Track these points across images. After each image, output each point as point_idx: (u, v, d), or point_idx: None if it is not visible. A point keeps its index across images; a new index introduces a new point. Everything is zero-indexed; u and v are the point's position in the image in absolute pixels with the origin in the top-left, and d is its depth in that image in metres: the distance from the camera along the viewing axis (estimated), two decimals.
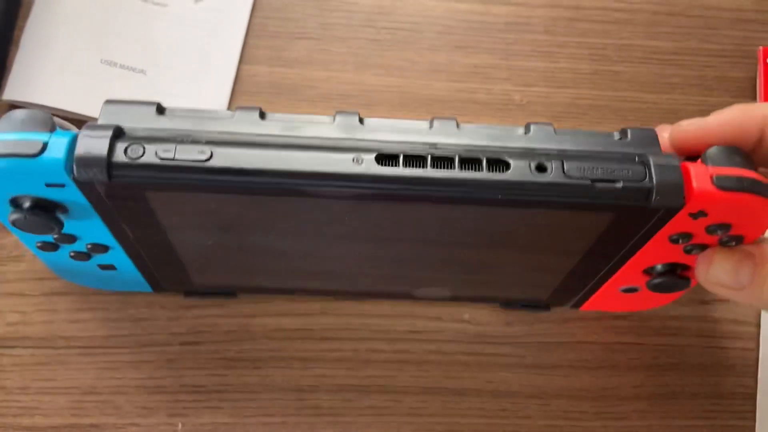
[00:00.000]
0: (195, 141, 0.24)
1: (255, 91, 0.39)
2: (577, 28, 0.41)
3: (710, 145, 0.25)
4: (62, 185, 0.24)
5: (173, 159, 0.23)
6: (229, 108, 0.38)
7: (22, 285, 0.35)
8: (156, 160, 0.23)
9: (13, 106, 0.37)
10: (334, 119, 0.25)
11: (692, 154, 0.25)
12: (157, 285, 0.33)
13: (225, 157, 0.23)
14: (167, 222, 0.27)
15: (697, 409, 0.35)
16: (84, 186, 0.24)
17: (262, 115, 0.25)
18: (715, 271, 0.26)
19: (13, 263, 0.35)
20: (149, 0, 0.38)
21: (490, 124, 0.26)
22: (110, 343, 0.34)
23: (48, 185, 0.24)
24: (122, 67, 0.37)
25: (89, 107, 0.36)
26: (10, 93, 0.36)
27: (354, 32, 0.40)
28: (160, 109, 0.25)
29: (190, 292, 0.35)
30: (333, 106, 0.39)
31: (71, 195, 0.24)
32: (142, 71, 0.37)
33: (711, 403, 0.35)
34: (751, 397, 0.35)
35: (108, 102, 0.25)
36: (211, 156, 0.23)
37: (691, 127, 0.26)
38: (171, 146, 0.23)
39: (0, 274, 0.35)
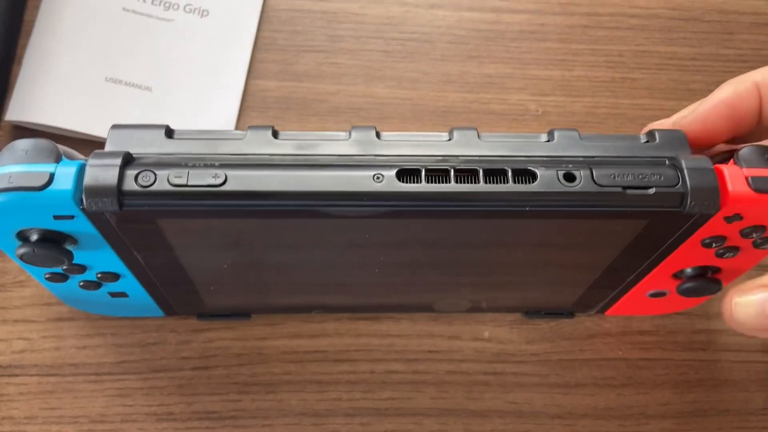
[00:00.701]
0: (208, 165, 0.23)
1: (264, 107, 0.38)
2: (592, 36, 0.40)
3: (711, 130, 0.24)
4: (71, 217, 0.23)
5: (186, 185, 0.22)
6: (237, 124, 0.37)
7: (28, 311, 0.34)
8: (168, 187, 0.22)
9: (17, 127, 0.36)
10: (350, 135, 0.25)
11: (697, 144, 0.25)
12: (169, 309, 0.32)
13: (240, 181, 0.22)
14: (180, 248, 0.26)
15: (726, 427, 0.34)
16: (94, 216, 0.23)
17: (275, 134, 0.24)
18: (740, 318, 0.24)
19: (18, 289, 0.34)
20: (154, 15, 0.37)
21: (512, 133, 0.25)
22: (119, 370, 0.33)
23: (56, 217, 0.23)
24: (128, 84, 0.36)
25: (95, 127, 0.35)
26: (13, 113, 0.35)
27: (363, 44, 0.39)
28: (169, 132, 0.24)
29: (202, 315, 0.34)
30: (344, 120, 0.38)
31: (81, 226, 0.23)
32: (148, 88, 0.36)
33: (741, 419, 0.34)
34: None
35: (115, 127, 0.24)
36: (225, 180, 0.22)
37: (686, 120, 0.25)
38: (183, 171, 0.22)
39: (5, 300, 0.34)
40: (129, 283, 0.29)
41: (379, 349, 0.34)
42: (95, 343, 0.33)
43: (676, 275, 0.28)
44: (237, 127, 0.37)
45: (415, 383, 0.34)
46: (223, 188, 0.22)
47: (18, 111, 0.35)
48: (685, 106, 0.39)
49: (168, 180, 0.22)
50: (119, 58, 0.36)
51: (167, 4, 0.37)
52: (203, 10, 0.38)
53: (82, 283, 0.29)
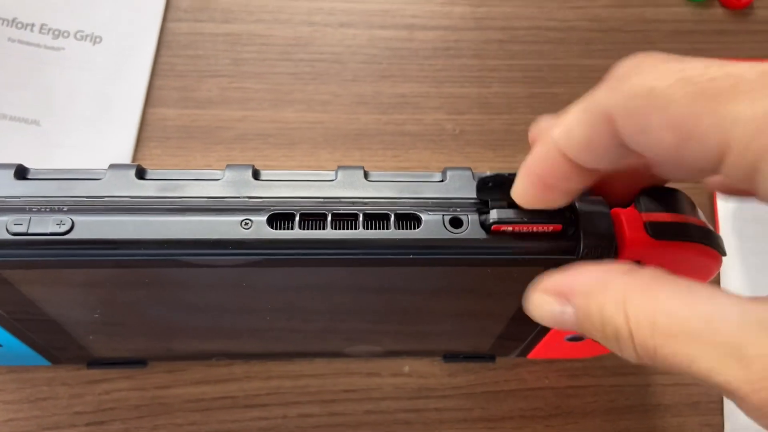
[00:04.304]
0: (54, 210, 0.20)
1: (164, 136, 0.35)
2: (509, 51, 0.39)
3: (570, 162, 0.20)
4: None
5: (26, 233, 0.20)
6: (135, 156, 0.34)
7: None
8: (6, 236, 0.20)
9: None
10: (223, 174, 0.22)
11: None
12: (53, 358, 0.30)
13: (88, 228, 0.20)
14: (40, 299, 0.23)
15: None
16: None
17: (141, 174, 0.22)
18: (534, 312, 0.20)
19: None
20: (43, 44, 0.35)
21: (403, 172, 0.23)
22: (8, 428, 0.30)
23: None
24: (12, 119, 0.33)
25: None
26: None
27: (270, 67, 0.37)
28: (21, 172, 0.22)
29: (93, 363, 0.31)
30: (251, 148, 0.36)
31: None
32: (35, 122, 0.34)
33: None
34: None
35: None
36: (72, 227, 0.20)
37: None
38: (25, 218, 0.20)
39: None
40: None
41: (292, 392, 0.32)
42: None
43: None
44: (135, 161, 0.34)
45: (332, 426, 0.32)
46: (68, 236, 0.20)
47: None
48: None
49: (6, 228, 0.20)
50: (4, 90, 0.34)
51: (56, 33, 0.35)
52: (96, 37, 0.36)
53: None
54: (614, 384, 0.33)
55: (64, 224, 0.20)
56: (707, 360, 0.14)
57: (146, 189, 0.22)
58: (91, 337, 0.28)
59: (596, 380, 0.33)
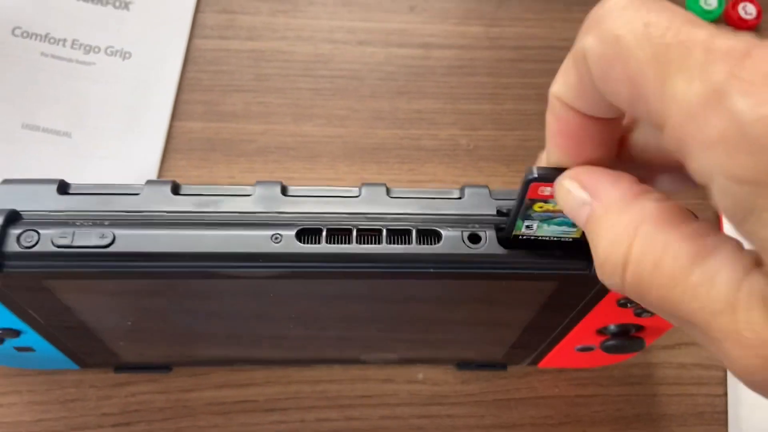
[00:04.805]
0: (96, 224, 0.22)
1: (189, 149, 0.37)
2: (522, 69, 0.40)
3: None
4: None
5: (71, 246, 0.21)
6: (162, 167, 0.36)
7: None
8: (52, 248, 0.21)
9: None
10: (254, 190, 0.24)
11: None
12: (82, 362, 0.31)
13: (128, 241, 0.21)
14: (77, 307, 0.25)
15: None
16: None
17: (176, 189, 0.24)
18: (559, 194, 0.19)
19: None
20: (74, 59, 0.36)
21: (423, 189, 0.24)
22: (37, 428, 0.32)
23: None
24: (45, 130, 0.35)
25: (11, 175, 0.34)
26: None
27: (292, 82, 0.39)
28: (63, 188, 0.23)
29: (120, 367, 0.32)
30: (272, 160, 0.37)
31: None
32: (67, 134, 0.35)
33: None
34: None
35: (6, 182, 0.23)
36: (113, 240, 0.21)
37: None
38: (69, 231, 0.21)
39: None
40: (32, 338, 0.27)
41: (310, 396, 0.33)
42: (10, 401, 0.32)
43: (600, 331, 0.28)
44: (161, 172, 0.36)
45: (349, 430, 0.33)
46: (110, 249, 0.21)
47: None
48: None
49: (52, 241, 0.21)
50: (37, 103, 0.35)
51: (87, 48, 0.37)
52: (125, 53, 0.37)
53: None
54: (621, 393, 0.34)
55: (105, 237, 0.21)
56: (697, 308, 0.14)
57: (181, 204, 0.23)
58: (120, 343, 0.29)
59: (604, 389, 0.34)
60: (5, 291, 0.23)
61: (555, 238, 0.21)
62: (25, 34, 0.36)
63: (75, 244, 0.21)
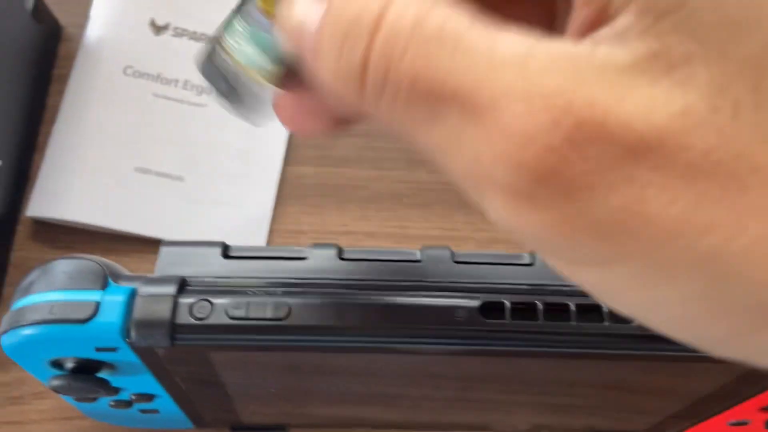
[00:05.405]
0: (269, 292, 0.20)
1: (301, 194, 0.35)
2: None
3: None
4: (114, 349, 0.20)
5: (246, 317, 0.20)
6: (274, 212, 0.34)
7: (47, 426, 0.31)
8: (227, 320, 0.20)
9: (39, 222, 0.33)
10: (420, 254, 0.22)
11: None
12: (200, 422, 0.30)
13: (305, 313, 0.20)
14: (228, 374, 0.23)
15: None
16: (141, 349, 0.20)
17: (341, 253, 0.22)
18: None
19: (37, 401, 0.31)
20: (186, 101, 0.35)
21: None
22: None
23: (98, 349, 0.21)
24: (158, 174, 0.34)
25: (124, 221, 0.33)
26: (36, 208, 0.33)
27: None
28: (225, 250, 0.22)
29: (236, 428, 0.31)
30: (386, 208, 0.36)
31: (123, 356, 0.21)
32: (179, 178, 0.34)
33: None
34: None
35: (166, 244, 0.22)
36: (289, 312, 0.20)
37: None
38: (243, 301, 0.20)
39: (21, 414, 0.31)
40: (163, 401, 0.26)
41: None
42: None
43: (766, 408, 0.26)
44: (274, 218, 0.35)
45: None
46: (287, 322, 0.20)
47: (40, 206, 0.33)
48: None
49: (226, 312, 0.20)
50: (149, 146, 0.34)
51: (199, 89, 0.36)
52: None
53: (112, 403, 0.26)
54: None
55: (281, 309, 0.20)
56: (474, 70, 0.10)
57: (350, 270, 0.22)
58: (250, 405, 0.27)
59: None
60: (162, 362, 0.21)
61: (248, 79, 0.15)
62: (137, 74, 0.35)
63: (250, 315, 0.20)
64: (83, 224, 0.32)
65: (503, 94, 0.10)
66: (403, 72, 0.11)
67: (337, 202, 0.36)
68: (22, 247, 0.34)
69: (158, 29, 0.36)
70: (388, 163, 0.37)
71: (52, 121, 0.35)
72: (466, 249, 0.37)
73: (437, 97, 0.11)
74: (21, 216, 0.34)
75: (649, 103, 0.10)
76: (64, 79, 0.36)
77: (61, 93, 0.35)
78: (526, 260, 0.22)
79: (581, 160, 0.10)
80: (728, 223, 0.10)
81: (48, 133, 0.35)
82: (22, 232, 0.34)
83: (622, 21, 0.10)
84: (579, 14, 0.11)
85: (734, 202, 0.10)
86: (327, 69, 0.12)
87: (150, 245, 0.33)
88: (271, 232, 0.34)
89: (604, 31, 0.11)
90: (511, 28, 0.11)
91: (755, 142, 0.10)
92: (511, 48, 0.11)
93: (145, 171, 0.34)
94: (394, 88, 0.11)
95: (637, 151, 0.10)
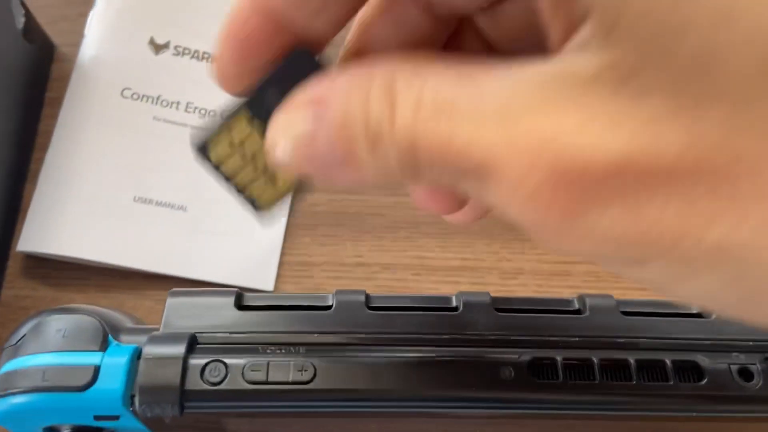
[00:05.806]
0: (291, 351, 0.18)
1: (313, 223, 0.33)
2: None
3: None
4: (116, 417, 0.18)
5: (266, 382, 0.17)
6: (284, 244, 0.32)
7: None
8: (243, 385, 0.17)
9: (31, 257, 0.31)
10: (456, 301, 0.20)
11: None
12: None
13: (332, 375, 0.18)
14: None
15: None
16: (146, 418, 0.18)
17: (368, 300, 0.20)
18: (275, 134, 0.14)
19: None
20: (189, 124, 0.33)
21: (653, 299, 0.20)
22: None
23: (98, 418, 0.18)
24: (159, 204, 0.31)
25: (122, 256, 0.30)
26: (27, 243, 0.30)
27: None
28: (239, 300, 0.20)
29: None
30: (403, 237, 0.33)
31: (126, 423, 0.19)
32: (182, 208, 0.32)
33: None
34: None
35: (173, 293, 0.20)
36: (314, 375, 0.18)
37: None
38: (261, 361, 0.18)
39: None
40: None
41: None
42: None
43: None
44: (284, 250, 0.32)
45: None
46: (312, 386, 0.18)
47: (32, 240, 0.30)
48: None
49: (243, 375, 0.18)
50: (149, 174, 0.32)
51: (203, 112, 0.33)
52: None
53: None
54: None
55: (305, 371, 0.18)
56: (467, 130, 0.11)
57: (377, 322, 0.19)
58: None
59: None
60: (169, 427, 0.19)
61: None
62: (135, 96, 0.33)
63: (270, 379, 0.17)
64: (78, 259, 0.30)
65: (492, 155, 0.11)
66: (420, 150, 0.12)
67: (350, 231, 0.33)
68: (12, 285, 0.31)
69: (158, 48, 0.34)
70: (405, 188, 0.34)
71: (45, 147, 0.32)
72: (490, 280, 0.35)
73: (453, 170, 0.12)
74: (11, 251, 0.31)
75: (614, 119, 0.10)
76: (58, 102, 0.33)
77: (54, 117, 0.33)
78: (575, 306, 0.20)
79: (566, 194, 0.11)
80: (728, 213, 0.10)
81: (40, 161, 0.32)
82: (12, 267, 0.31)
83: (584, 33, 0.11)
84: (552, 28, 0.12)
85: (727, 193, 0.10)
86: (365, 172, 0.13)
87: (149, 280, 0.31)
88: (281, 264, 0.32)
89: (572, 43, 0.11)
90: (495, 63, 0.12)
91: (728, 134, 0.10)
92: (493, 96, 0.12)
93: (144, 201, 0.31)
94: (419, 164, 0.12)
95: (607, 175, 0.11)
